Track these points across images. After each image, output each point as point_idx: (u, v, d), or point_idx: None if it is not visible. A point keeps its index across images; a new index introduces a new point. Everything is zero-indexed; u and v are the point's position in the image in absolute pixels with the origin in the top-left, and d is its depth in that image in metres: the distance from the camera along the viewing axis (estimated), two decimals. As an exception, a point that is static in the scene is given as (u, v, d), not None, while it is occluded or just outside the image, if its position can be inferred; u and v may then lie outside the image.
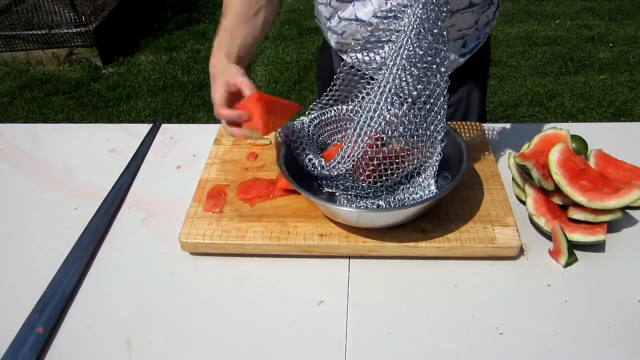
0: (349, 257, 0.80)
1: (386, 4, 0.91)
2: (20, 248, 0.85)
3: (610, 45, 3.34)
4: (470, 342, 0.67)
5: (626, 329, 0.68)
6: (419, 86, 0.75)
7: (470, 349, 0.67)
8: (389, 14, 0.93)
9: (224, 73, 0.82)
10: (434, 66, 0.76)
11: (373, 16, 0.95)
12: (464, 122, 1.03)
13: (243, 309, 0.73)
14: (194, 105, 2.95)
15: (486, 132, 1.01)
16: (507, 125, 1.07)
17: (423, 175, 0.84)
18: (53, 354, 0.69)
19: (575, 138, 0.92)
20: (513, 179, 0.89)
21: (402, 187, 0.85)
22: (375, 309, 0.72)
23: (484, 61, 1.16)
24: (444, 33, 0.75)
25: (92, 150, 1.07)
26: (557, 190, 0.81)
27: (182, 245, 0.81)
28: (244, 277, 0.78)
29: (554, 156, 0.81)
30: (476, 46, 1.05)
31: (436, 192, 0.82)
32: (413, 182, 0.84)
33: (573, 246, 0.77)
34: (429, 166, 0.83)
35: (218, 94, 0.80)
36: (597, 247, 0.79)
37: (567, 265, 0.77)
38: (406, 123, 0.77)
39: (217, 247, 0.80)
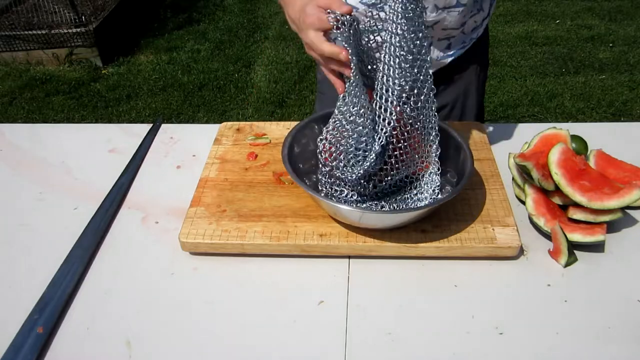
0: (349, 257, 0.80)
1: None
2: (20, 248, 0.85)
3: (610, 45, 3.34)
4: (470, 342, 0.67)
5: (626, 329, 0.68)
6: (405, 86, 0.74)
7: (470, 349, 0.67)
8: (376, 2, 0.93)
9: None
10: (418, 62, 0.74)
11: (360, 2, 0.95)
12: (464, 122, 1.03)
13: (243, 309, 0.73)
14: (194, 105, 2.95)
15: (486, 132, 1.01)
16: (507, 125, 1.07)
17: (425, 175, 0.84)
18: (53, 354, 0.69)
19: (575, 138, 0.92)
20: (513, 179, 0.89)
21: (405, 188, 0.85)
22: (375, 309, 0.72)
23: (481, 60, 1.16)
24: (424, 44, 0.74)
25: (92, 150, 1.07)
26: (557, 190, 0.81)
27: (182, 245, 0.81)
28: (244, 277, 0.78)
29: (554, 156, 0.81)
30: (460, 49, 1.06)
31: (439, 193, 0.82)
32: (416, 183, 0.84)
33: (573, 246, 0.77)
34: (429, 164, 0.83)
35: (314, 21, 0.70)
36: (597, 247, 0.79)
37: (567, 265, 0.77)
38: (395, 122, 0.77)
39: (217, 247, 0.80)
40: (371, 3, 0.90)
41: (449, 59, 1.05)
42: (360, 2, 0.95)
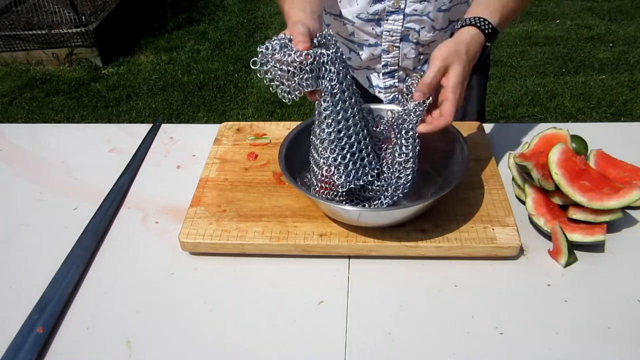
0: (349, 257, 0.80)
1: (370, 6, 0.91)
2: (20, 248, 0.85)
3: (610, 45, 3.34)
4: (470, 342, 0.67)
5: (626, 329, 0.68)
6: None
7: (470, 349, 0.67)
8: (372, 17, 0.94)
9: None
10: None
11: (356, 16, 0.95)
12: (464, 122, 1.03)
13: (243, 309, 0.73)
14: (194, 105, 2.95)
15: (486, 132, 1.01)
16: (507, 125, 1.07)
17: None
18: (53, 354, 0.69)
19: (575, 138, 0.92)
20: (513, 179, 0.89)
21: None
22: (375, 308, 0.72)
23: (483, 63, 1.16)
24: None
25: (92, 150, 1.07)
26: (557, 190, 0.81)
27: (182, 245, 0.81)
28: (243, 277, 0.78)
29: (554, 156, 0.81)
30: None
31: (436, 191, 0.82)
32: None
33: (573, 246, 0.77)
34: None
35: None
36: (597, 247, 0.79)
37: (567, 265, 0.77)
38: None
39: (217, 247, 0.80)
40: (367, 19, 0.90)
41: None
42: (356, 17, 0.95)
